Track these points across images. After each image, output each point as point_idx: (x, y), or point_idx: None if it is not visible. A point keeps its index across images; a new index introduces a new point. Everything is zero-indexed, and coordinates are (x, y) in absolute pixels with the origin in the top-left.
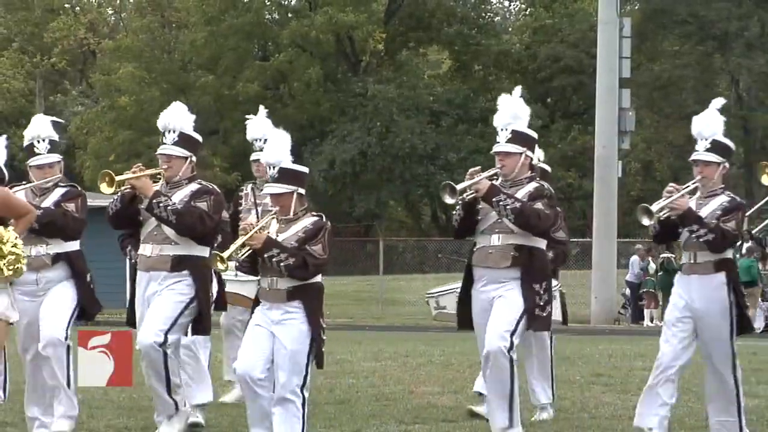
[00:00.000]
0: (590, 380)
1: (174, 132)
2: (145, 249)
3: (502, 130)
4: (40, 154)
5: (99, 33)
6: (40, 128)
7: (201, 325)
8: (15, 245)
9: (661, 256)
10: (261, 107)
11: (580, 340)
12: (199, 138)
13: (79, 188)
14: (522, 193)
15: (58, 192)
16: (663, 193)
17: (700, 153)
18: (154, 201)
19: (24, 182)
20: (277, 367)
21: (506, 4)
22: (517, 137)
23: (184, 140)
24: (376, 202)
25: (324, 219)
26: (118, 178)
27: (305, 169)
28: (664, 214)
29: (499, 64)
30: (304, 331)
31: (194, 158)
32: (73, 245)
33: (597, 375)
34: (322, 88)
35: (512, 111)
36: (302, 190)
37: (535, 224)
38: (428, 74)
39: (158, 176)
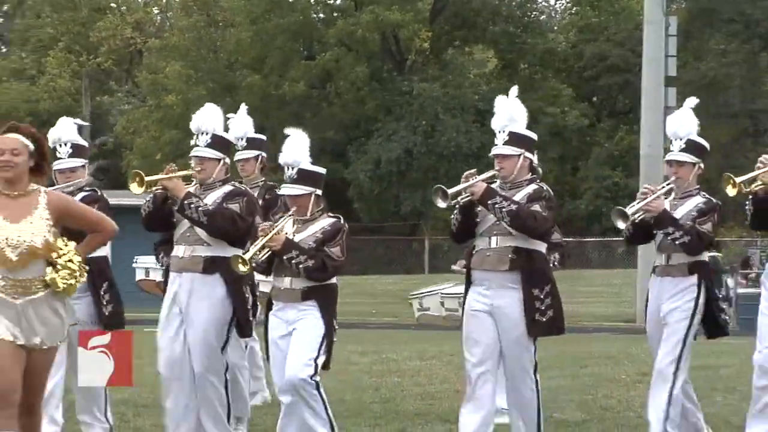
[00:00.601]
0: (636, 379)
1: (207, 134)
2: (178, 250)
3: (499, 132)
4: (62, 158)
5: (145, 32)
6: (62, 132)
7: (240, 327)
8: (71, 260)
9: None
10: (242, 105)
11: (626, 339)
12: (232, 140)
13: (100, 192)
14: (520, 195)
15: (78, 197)
16: (637, 195)
17: (675, 153)
18: (185, 202)
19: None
20: (290, 353)
21: (552, 2)
22: (514, 139)
23: (216, 142)
24: (421, 201)
25: (342, 221)
26: (148, 178)
27: (323, 171)
28: (639, 216)
29: (545, 63)
30: (318, 326)
31: (227, 160)
32: (99, 251)
33: (643, 374)
34: (367, 87)
35: (509, 113)
36: (319, 192)
37: (532, 226)
38: (474, 73)
39: (191, 178)
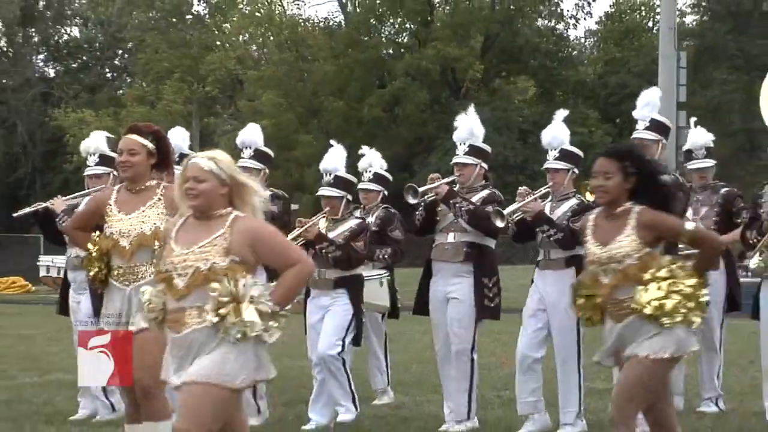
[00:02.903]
0: None
1: (250, 148)
2: None
3: (460, 144)
4: (89, 166)
5: (245, 65)
6: (91, 144)
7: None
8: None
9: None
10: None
11: None
12: (271, 153)
13: None
14: (476, 198)
15: None
16: (516, 197)
17: (551, 162)
18: None
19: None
20: (321, 333)
21: (582, 40)
22: (473, 151)
23: (258, 155)
24: None
25: (366, 221)
26: None
27: (354, 179)
28: (517, 216)
29: (576, 91)
30: (347, 310)
31: (267, 170)
32: None
33: None
34: (429, 111)
35: (469, 128)
36: (350, 197)
37: (485, 225)
38: (517, 99)
39: None
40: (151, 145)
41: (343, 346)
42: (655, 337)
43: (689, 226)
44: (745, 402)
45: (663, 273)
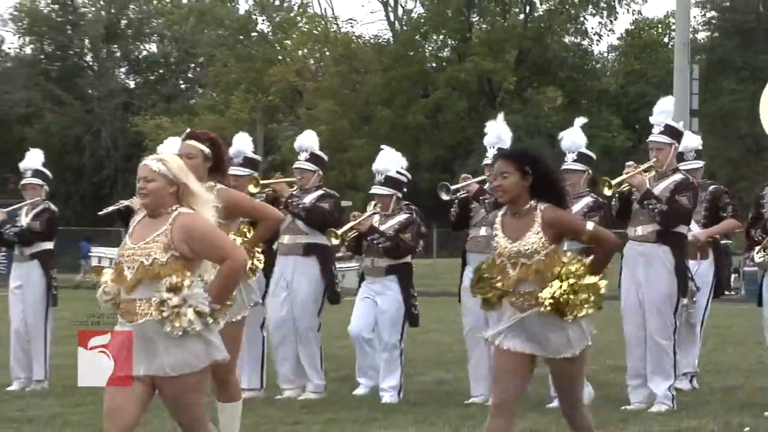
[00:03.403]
0: None
1: (306, 152)
2: (284, 238)
3: (490, 148)
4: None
5: (304, 77)
6: (167, 148)
7: (331, 296)
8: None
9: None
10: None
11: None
12: (325, 156)
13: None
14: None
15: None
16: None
17: (568, 164)
18: (289, 200)
19: None
20: (379, 328)
21: (605, 54)
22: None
23: (313, 158)
24: None
25: (414, 215)
26: (262, 181)
27: (404, 179)
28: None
29: (600, 100)
30: (398, 299)
31: (320, 172)
32: None
33: None
34: (467, 118)
35: (497, 133)
36: (400, 194)
37: None
38: (547, 107)
39: (293, 184)
40: (207, 150)
41: (401, 335)
42: (562, 335)
43: (589, 225)
44: (751, 378)
45: (565, 270)
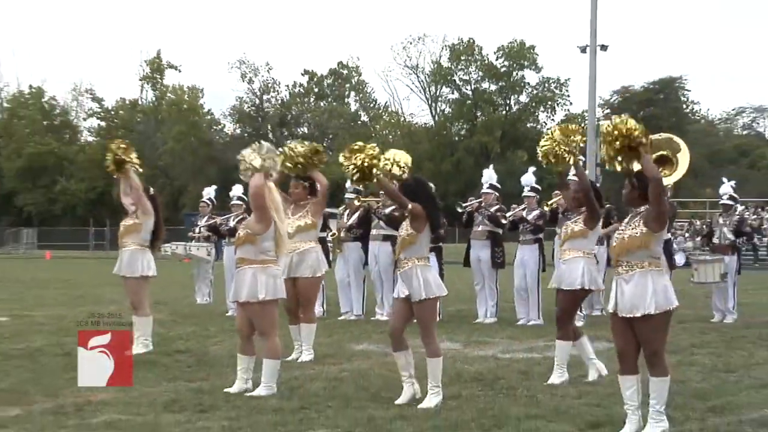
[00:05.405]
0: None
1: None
2: (373, 231)
3: (485, 183)
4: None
5: (386, 147)
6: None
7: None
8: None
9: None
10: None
11: None
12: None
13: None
14: (493, 209)
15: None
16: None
17: (525, 192)
18: (376, 210)
19: None
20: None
21: None
22: (492, 187)
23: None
24: None
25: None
26: (363, 199)
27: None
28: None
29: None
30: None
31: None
32: None
33: None
34: (473, 167)
35: (489, 175)
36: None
37: (496, 221)
38: (517, 161)
39: (379, 201)
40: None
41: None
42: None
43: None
44: None
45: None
